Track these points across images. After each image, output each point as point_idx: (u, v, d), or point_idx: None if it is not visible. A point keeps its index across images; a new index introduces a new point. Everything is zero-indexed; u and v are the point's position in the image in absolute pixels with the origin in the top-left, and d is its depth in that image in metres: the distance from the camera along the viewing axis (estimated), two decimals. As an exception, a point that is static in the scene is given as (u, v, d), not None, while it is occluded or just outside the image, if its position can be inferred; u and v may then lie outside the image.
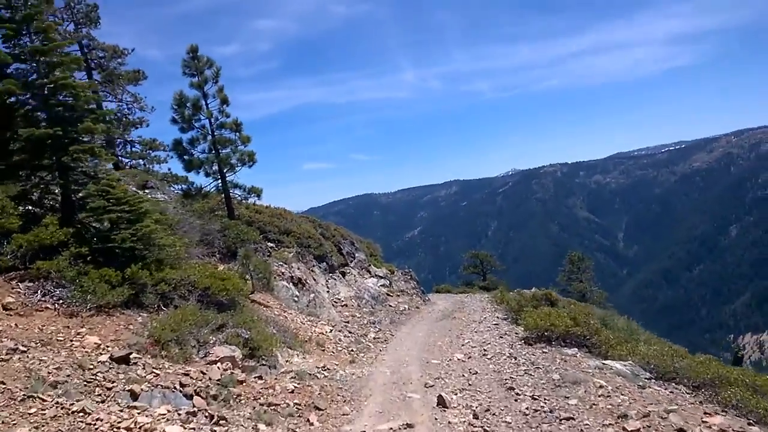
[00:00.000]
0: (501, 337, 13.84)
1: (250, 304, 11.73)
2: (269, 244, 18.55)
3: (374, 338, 14.62)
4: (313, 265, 19.38)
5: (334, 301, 18.24)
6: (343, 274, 21.19)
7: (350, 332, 14.37)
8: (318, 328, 13.16)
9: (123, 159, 29.13)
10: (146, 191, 22.61)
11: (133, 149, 30.35)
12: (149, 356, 7.44)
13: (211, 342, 8.63)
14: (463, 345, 13.24)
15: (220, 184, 17.78)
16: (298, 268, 17.14)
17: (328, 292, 18.72)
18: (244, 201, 18.83)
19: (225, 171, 17.76)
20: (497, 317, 17.53)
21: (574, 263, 42.03)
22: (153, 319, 8.33)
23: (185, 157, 17.45)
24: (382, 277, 23.19)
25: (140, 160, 29.90)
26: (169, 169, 29.50)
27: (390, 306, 19.87)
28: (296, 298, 15.06)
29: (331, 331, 13.41)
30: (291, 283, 15.48)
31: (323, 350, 11.63)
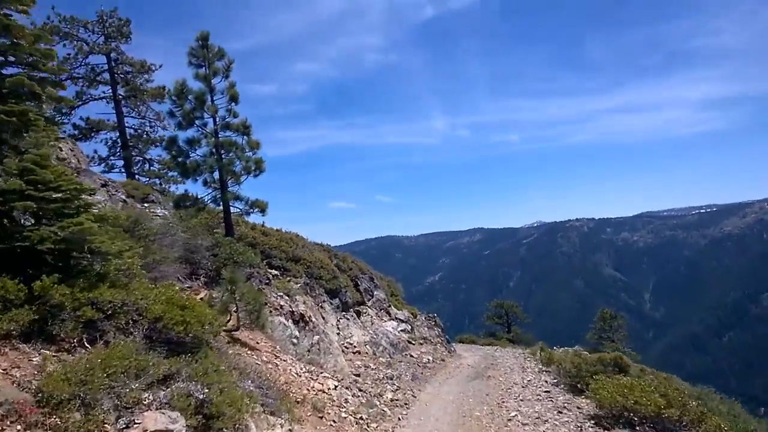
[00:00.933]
0: (560, 413, 10.42)
1: (226, 345, 8.57)
2: (272, 271, 15.54)
3: (392, 400, 11.26)
4: (323, 301, 16.25)
5: (345, 347, 14.99)
6: (359, 313, 17.95)
7: (361, 390, 11.03)
8: (319, 382, 9.87)
9: (139, 177, 27.45)
10: (146, 205, 20.20)
11: (151, 168, 28.99)
12: (21, 425, 4.38)
13: (145, 403, 5.49)
14: (510, 420, 9.87)
15: (219, 195, 14.91)
16: (304, 302, 14.00)
17: (338, 334, 15.49)
18: (245, 216, 15.95)
19: (227, 179, 14.93)
20: (545, 381, 14.04)
21: (606, 321, 38.39)
22: (51, 360, 5.27)
23: (180, 159, 14.66)
24: (403, 321, 19.84)
25: (156, 179, 28.44)
26: (185, 191, 28.06)
27: (411, 356, 16.49)
28: (295, 340, 11.81)
29: (336, 387, 10.10)
30: (291, 320, 12.28)
31: (321, 417, 8.32)
